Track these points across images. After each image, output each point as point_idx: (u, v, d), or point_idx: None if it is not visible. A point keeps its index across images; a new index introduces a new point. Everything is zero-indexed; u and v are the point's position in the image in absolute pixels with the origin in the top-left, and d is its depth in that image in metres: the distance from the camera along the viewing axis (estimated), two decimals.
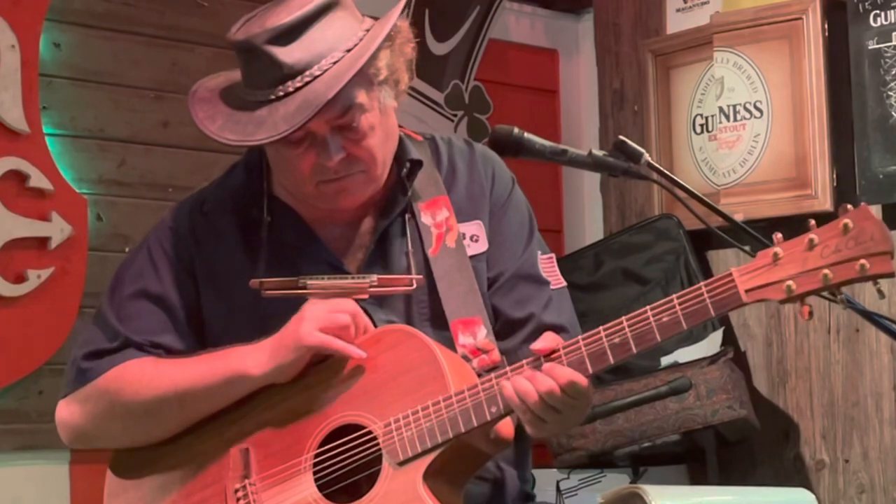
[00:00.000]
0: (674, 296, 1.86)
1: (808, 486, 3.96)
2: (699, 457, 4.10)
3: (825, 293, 1.81)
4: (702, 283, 1.85)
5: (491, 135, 2.13)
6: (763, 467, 4.28)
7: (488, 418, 1.95)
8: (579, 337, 1.93)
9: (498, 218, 2.20)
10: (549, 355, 1.93)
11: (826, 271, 1.78)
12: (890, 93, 3.96)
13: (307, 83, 2.00)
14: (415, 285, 2.09)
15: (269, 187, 2.17)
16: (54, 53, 3.66)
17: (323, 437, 2.02)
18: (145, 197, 3.78)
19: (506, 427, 2.03)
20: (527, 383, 1.91)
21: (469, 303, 2.10)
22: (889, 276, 1.77)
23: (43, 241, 3.55)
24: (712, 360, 4.02)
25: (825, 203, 4.09)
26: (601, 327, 1.92)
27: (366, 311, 2.08)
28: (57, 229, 3.56)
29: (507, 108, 4.67)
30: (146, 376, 2.10)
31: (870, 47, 4.00)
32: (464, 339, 2.08)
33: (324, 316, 2.00)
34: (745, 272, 1.83)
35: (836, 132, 4.10)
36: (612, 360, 1.91)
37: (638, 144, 2.05)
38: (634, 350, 1.89)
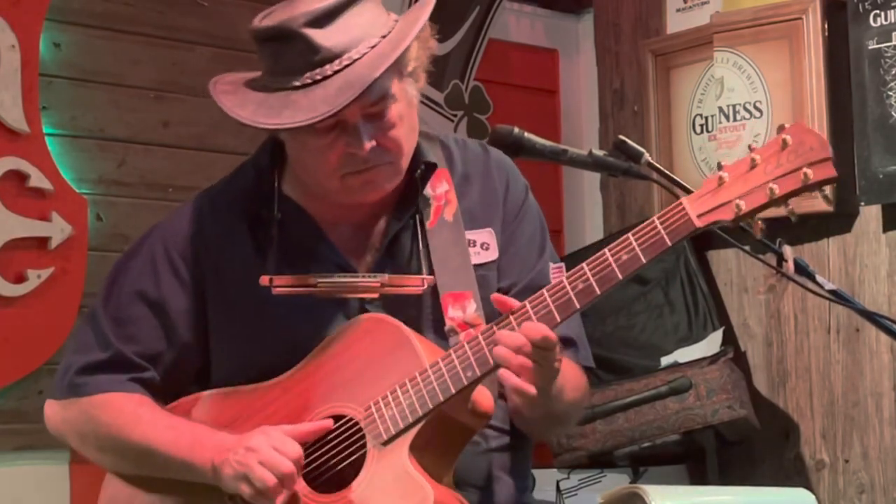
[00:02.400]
0: (628, 233, 1.89)
1: (808, 486, 3.96)
2: (699, 457, 4.10)
3: (775, 206, 1.86)
4: (654, 217, 1.88)
5: (491, 135, 2.13)
6: (763, 467, 4.28)
7: (465, 383, 1.95)
8: (543, 290, 1.94)
9: (511, 228, 2.19)
10: (517, 311, 1.94)
11: (771, 185, 1.84)
12: (890, 93, 3.96)
13: (345, 66, 1.98)
14: (425, 285, 2.09)
15: (279, 186, 2.15)
16: (54, 53, 3.66)
17: None
18: (145, 197, 3.78)
19: (485, 399, 2.03)
20: (500, 347, 1.91)
21: (461, 277, 2.10)
22: (832, 181, 1.86)
23: (43, 241, 3.55)
24: (712, 360, 4.02)
25: (825, 203, 4.09)
26: (563, 277, 1.93)
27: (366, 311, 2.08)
28: (57, 229, 3.56)
29: (507, 108, 4.67)
30: (123, 418, 2.11)
31: (870, 47, 3.99)
32: (453, 313, 2.08)
33: (267, 460, 1.96)
34: (694, 199, 1.87)
35: (836, 132, 4.09)
36: (577, 306, 1.92)
37: (638, 144, 2.06)
38: (598, 291, 1.91)
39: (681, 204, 1.87)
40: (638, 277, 4.38)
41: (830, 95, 4.09)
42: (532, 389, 1.90)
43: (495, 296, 1.98)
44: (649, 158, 2.05)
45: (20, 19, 3.53)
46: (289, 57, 2.01)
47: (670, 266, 4.36)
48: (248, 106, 2.03)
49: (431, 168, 2.15)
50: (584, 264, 1.91)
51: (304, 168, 2.10)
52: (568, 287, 1.91)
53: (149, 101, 3.83)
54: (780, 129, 1.87)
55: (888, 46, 3.97)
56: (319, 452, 2.02)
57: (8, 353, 3.47)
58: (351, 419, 2.00)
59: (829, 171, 1.85)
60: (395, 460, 1.94)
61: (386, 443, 1.96)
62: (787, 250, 1.98)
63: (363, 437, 1.98)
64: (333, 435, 2.01)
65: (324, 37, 1.99)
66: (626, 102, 4.78)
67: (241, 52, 3.85)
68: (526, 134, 2.08)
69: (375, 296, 2.09)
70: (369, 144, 2.00)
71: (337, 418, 2.01)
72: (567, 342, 2.13)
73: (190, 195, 2.25)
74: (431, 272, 2.10)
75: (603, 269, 1.90)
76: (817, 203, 4.11)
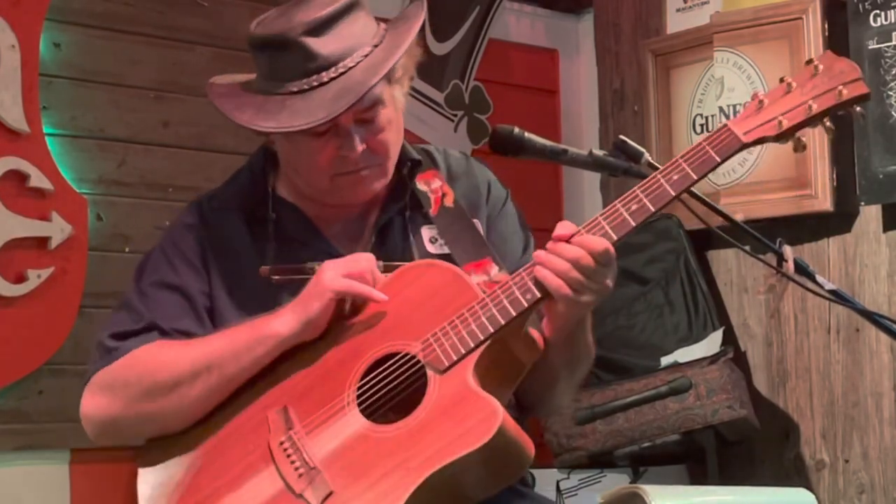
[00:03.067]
0: (677, 156, 1.99)
1: (808, 486, 3.96)
2: (699, 457, 4.10)
3: (812, 126, 2.02)
4: (700, 138, 2.01)
5: (491, 135, 2.13)
6: (763, 467, 4.28)
7: (525, 305, 1.99)
8: (597, 214, 2.01)
9: (495, 221, 2.28)
10: (570, 238, 1.99)
11: (810, 102, 1.99)
12: (890, 93, 3.96)
13: (341, 74, 2.09)
14: None
15: (273, 187, 2.26)
16: (54, 53, 3.66)
17: (362, 373, 2.02)
18: (145, 197, 3.78)
19: (536, 334, 2.07)
20: (556, 258, 1.97)
21: (477, 249, 2.18)
22: (865, 98, 1.99)
23: (43, 241, 3.55)
24: (712, 360, 4.02)
25: (825, 203, 4.09)
26: (616, 201, 2.01)
27: None
28: (57, 229, 3.56)
29: (507, 108, 4.67)
30: (174, 350, 2.12)
31: (870, 47, 3.99)
32: (477, 278, 2.12)
33: (343, 264, 2.06)
34: (737, 122, 2.02)
35: (836, 132, 4.09)
36: (633, 224, 1.99)
37: (638, 144, 2.06)
38: (652, 209, 1.98)
39: (726, 125, 2.00)
40: (638, 277, 4.38)
41: None
42: (581, 298, 1.98)
43: (555, 233, 2.03)
44: (649, 158, 2.06)
45: (20, 19, 3.53)
46: (286, 63, 2.11)
47: (670, 266, 4.36)
48: (246, 110, 2.13)
49: (416, 164, 2.26)
50: (636, 187, 1.99)
51: (295, 169, 2.20)
52: (621, 208, 1.98)
53: (149, 101, 3.83)
54: (810, 61, 2.01)
55: (888, 46, 3.97)
56: (378, 387, 2.01)
57: (8, 353, 3.47)
58: (408, 354, 2.01)
59: (862, 88, 1.98)
60: (458, 383, 1.95)
61: (446, 370, 1.97)
62: (787, 250, 1.98)
63: (422, 370, 1.99)
64: (391, 370, 2.01)
65: (320, 45, 2.10)
66: (626, 102, 4.78)
67: (241, 52, 3.82)
68: (526, 134, 2.09)
69: None
70: (361, 147, 2.11)
71: (392, 355, 2.02)
72: None
73: (190, 195, 2.29)
74: (428, 254, 2.19)
75: (656, 189, 1.98)
76: (817, 203, 4.12)
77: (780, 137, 2.00)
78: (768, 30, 4.20)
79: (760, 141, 2.00)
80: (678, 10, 4.59)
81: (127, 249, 3.67)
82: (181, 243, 2.23)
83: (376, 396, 2.00)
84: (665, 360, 4.17)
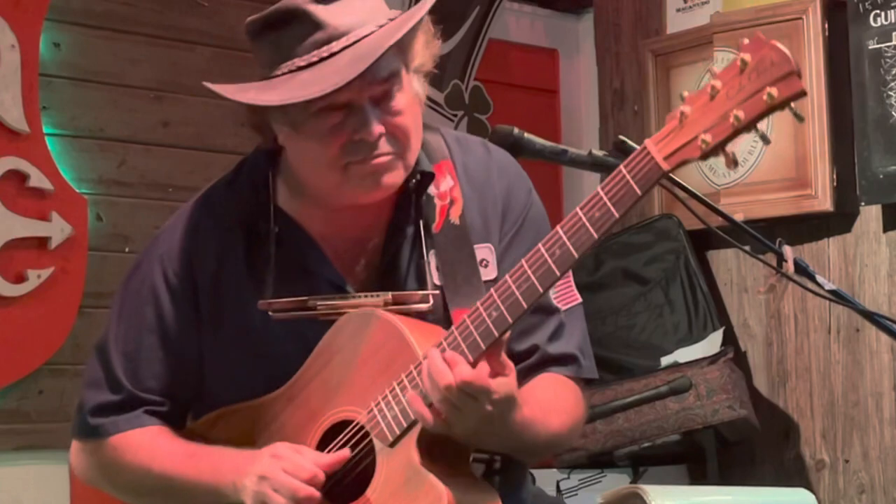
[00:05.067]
0: (598, 187, 1.77)
1: (808, 486, 3.96)
2: (699, 457, 4.10)
3: (746, 133, 1.72)
4: (620, 165, 1.75)
5: (491, 135, 2.10)
6: (763, 467, 4.28)
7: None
8: (522, 261, 1.81)
9: (508, 243, 2.09)
10: (485, 302, 1.84)
11: (735, 112, 1.68)
12: (890, 93, 3.96)
13: (353, 43, 1.91)
14: (431, 301, 2.00)
15: (275, 199, 2.06)
16: (54, 53, 3.66)
17: (318, 443, 2.00)
18: (145, 197, 3.79)
19: None
20: (426, 379, 1.83)
21: (469, 289, 2.01)
22: (801, 95, 1.67)
23: (43, 241, 3.55)
24: (712, 360, 4.02)
25: (825, 203, 4.09)
26: (541, 245, 1.81)
27: None
28: (57, 229, 3.56)
29: (507, 108, 4.67)
30: (142, 456, 2.08)
31: (870, 47, 3.99)
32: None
33: (278, 481, 1.93)
34: (658, 140, 1.73)
35: (836, 132, 4.09)
36: (558, 273, 1.79)
37: (638, 144, 2.05)
38: (576, 255, 1.78)
39: (645, 148, 1.73)
40: (638, 277, 4.38)
41: (830, 95, 4.09)
42: (443, 427, 1.84)
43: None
44: None
45: (20, 19, 3.53)
46: (292, 36, 1.93)
47: (670, 266, 4.36)
48: (249, 90, 1.96)
49: (428, 178, 2.06)
50: (557, 227, 1.80)
51: (302, 163, 2.01)
52: (545, 254, 1.80)
53: (148, 101, 3.84)
54: (740, 46, 1.70)
55: (888, 46, 3.97)
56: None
57: (8, 353, 3.47)
58: (357, 423, 1.97)
59: (796, 85, 1.65)
60: (404, 461, 1.91)
61: (392, 444, 1.93)
62: (787, 250, 1.97)
63: (371, 441, 1.95)
64: (343, 443, 1.98)
65: (329, 14, 1.92)
66: (626, 102, 4.78)
67: (241, 52, 3.84)
68: (526, 134, 2.07)
69: None
70: (378, 128, 1.92)
71: (343, 423, 1.99)
72: (563, 360, 2.07)
73: (189, 195, 2.23)
74: (434, 285, 2.02)
75: (578, 229, 1.78)
76: (817, 203, 4.12)
77: (706, 156, 1.72)
78: (768, 30, 4.20)
79: (685, 163, 1.73)
80: (678, 10, 4.59)
81: (127, 249, 3.67)
82: (169, 267, 2.07)
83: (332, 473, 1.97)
84: (665, 360, 4.17)
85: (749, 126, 1.70)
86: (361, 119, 1.92)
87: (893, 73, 3.96)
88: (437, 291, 2.01)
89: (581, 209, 1.78)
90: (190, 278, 2.06)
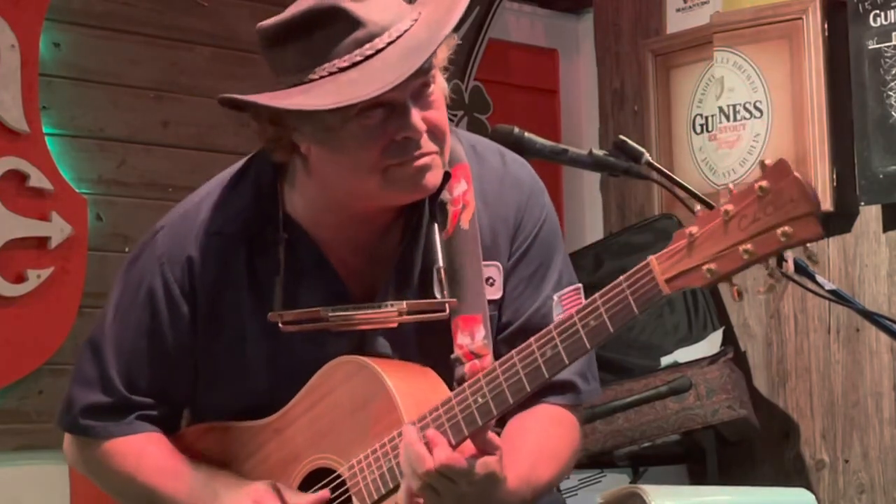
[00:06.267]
0: (596, 295, 1.74)
1: (808, 486, 3.96)
2: (699, 457, 4.10)
3: (757, 264, 1.67)
4: (621, 277, 1.72)
5: (491, 135, 2.09)
6: (763, 467, 4.28)
7: None
8: (509, 358, 1.77)
9: (516, 262, 2.04)
10: (455, 398, 1.82)
11: (746, 246, 1.62)
12: (890, 93, 3.96)
13: (396, 38, 1.82)
14: (448, 310, 1.95)
15: (284, 207, 1.99)
16: (54, 53, 3.66)
17: (299, 484, 1.99)
18: (145, 197, 3.79)
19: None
20: (404, 462, 1.80)
21: (473, 298, 1.97)
22: (816, 239, 1.59)
23: (43, 241, 3.55)
24: (712, 360, 4.02)
25: (825, 203, 4.09)
26: (533, 341, 1.76)
27: (363, 345, 1.99)
28: (57, 229, 3.56)
29: (507, 108, 4.67)
30: (128, 465, 2.07)
31: (870, 47, 3.99)
32: (462, 339, 1.95)
33: None
34: (663, 259, 1.68)
35: (836, 132, 4.09)
36: (546, 375, 1.76)
37: (638, 144, 2.05)
38: (567, 361, 1.75)
39: (648, 265, 1.69)
40: None
41: (830, 95, 4.09)
42: None
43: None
44: (649, 158, 2.05)
45: (20, 19, 3.53)
46: (328, 38, 1.82)
47: None
48: (290, 97, 1.83)
49: (445, 178, 1.96)
50: (551, 326, 1.76)
51: (335, 171, 1.90)
52: (537, 352, 1.75)
53: (148, 101, 3.84)
54: (762, 166, 1.60)
55: (888, 46, 3.97)
56: None
57: (8, 353, 3.47)
58: (337, 474, 1.95)
59: (813, 229, 1.56)
60: None
61: None
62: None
63: (350, 495, 1.93)
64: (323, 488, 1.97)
65: (366, 11, 1.82)
66: (626, 102, 4.77)
67: (241, 52, 3.86)
68: (526, 134, 2.07)
69: (393, 325, 1.94)
70: (422, 125, 1.85)
71: (325, 470, 1.97)
72: (563, 388, 2.02)
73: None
74: (444, 293, 1.97)
75: (572, 335, 1.74)
76: None
77: (710, 286, 1.67)
78: (768, 30, 4.20)
79: (685, 288, 1.67)
80: (678, 10, 4.59)
81: (127, 249, 3.67)
82: (169, 273, 2.01)
83: None
84: (665, 360, 4.16)
85: (760, 261, 1.64)
86: (404, 117, 1.84)
87: (893, 73, 3.96)
88: (454, 300, 1.95)
89: (577, 314, 1.75)
90: (190, 285, 2.01)
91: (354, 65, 1.82)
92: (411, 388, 1.92)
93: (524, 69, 4.84)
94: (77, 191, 3.63)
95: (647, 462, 4.17)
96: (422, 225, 1.99)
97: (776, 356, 4.31)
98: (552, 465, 1.98)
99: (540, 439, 1.98)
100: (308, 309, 1.94)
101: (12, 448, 3.52)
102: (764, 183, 1.59)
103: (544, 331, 1.76)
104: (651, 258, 1.70)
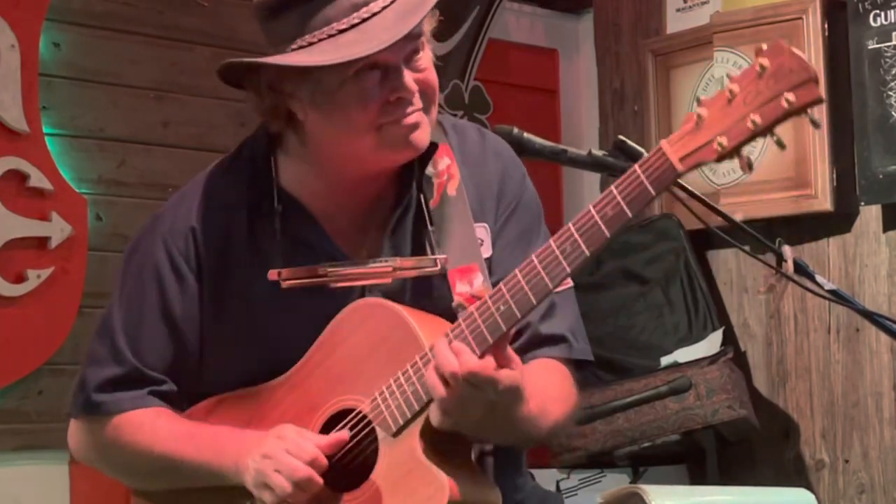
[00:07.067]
0: (611, 186, 1.78)
1: (808, 486, 3.96)
2: (699, 457, 4.10)
3: (761, 137, 1.74)
4: (635, 164, 1.77)
5: None
6: (763, 467, 4.28)
7: None
8: (533, 256, 1.82)
9: (503, 223, 2.12)
10: (494, 296, 1.85)
11: (753, 116, 1.71)
12: (890, 93, 3.96)
13: (390, 3, 1.93)
14: (439, 266, 2.02)
15: (277, 180, 2.07)
16: (54, 53, 3.66)
17: (319, 430, 2.00)
18: (145, 197, 3.79)
19: None
20: (431, 373, 1.84)
21: (466, 250, 2.04)
22: (818, 102, 1.68)
23: (43, 241, 3.55)
24: (712, 360, 4.02)
25: (825, 203, 4.09)
26: (551, 241, 1.81)
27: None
28: (57, 229, 3.56)
29: (507, 108, 4.67)
30: (142, 436, 2.08)
31: (870, 47, 4.00)
32: (461, 288, 2.01)
33: (280, 461, 1.94)
34: (674, 142, 1.75)
35: (836, 132, 4.10)
36: (568, 269, 1.80)
37: (638, 144, 2.05)
38: (587, 252, 1.79)
39: (661, 149, 1.75)
40: (638, 277, 4.39)
41: (830, 95, 4.09)
42: (447, 420, 1.85)
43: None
44: None
45: (20, 19, 3.53)
46: (325, 4, 1.92)
47: (670, 266, 4.36)
48: (293, 57, 1.93)
49: (432, 148, 2.06)
50: (570, 224, 1.81)
51: (332, 133, 2.00)
52: (556, 250, 1.80)
53: (148, 101, 3.84)
54: (758, 52, 1.72)
55: (888, 46, 3.97)
56: (337, 453, 1.98)
57: (8, 353, 3.47)
58: (360, 412, 1.97)
59: (814, 93, 1.67)
60: (406, 451, 1.91)
61: (396, 434, 1.93)
62: (787, 250, 1.97)
63: (374, 430, 1.95)
64: (343, 428, 1.98)
65: None
66: (626, 102, 4.78)
67: (242, 52, 3.85)
68: (526, 134, 2.08)
69: (388, 280, 2.03)
70: (414, 85, 1.95)
71: (346, 412, 1.99)
72: (555, 340, 2.08)
73: None
74: (442, 251, 2.05)
75: (590, 227, 1.79)
76: (817, 203, 4.12)
77: (722, 159, 1.75)
78: (768, 30, 4.20)
79: (700, 165, 1.76)
80: (678, 10, 4.59)
81: None
82: (173, 248, 2.08)
83: (334, 460, 1.96)
84: (665, 360, 4.17)
85: (766, 130, 1.72)
86: (398, 79, 1.94)
87: (893, 73, 3.96)
88: (444, 256, 2.02)
89: (594, 207, 1.79)
90: (195, 256, 2.07)
91: (352, 27, 1.91)
92: (426, 321, 1.97)
93: (524, 69, 4.84)
94: (77, 191, 3.63)
95: (647, 462, 4.17)
96: (411, 193, 2.07)
97: (776, 356, 4.31)
98: (562, 407, 2.03)
99: (545, 382, 2.02)
100: (306, 266, 2.01)
101: (12, 448, 3.52)
102: (763, 60, 1.69)
103: (561, 230, 1.81)
104: (662, 142, 1.76)
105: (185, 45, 3.91)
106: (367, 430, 1.96)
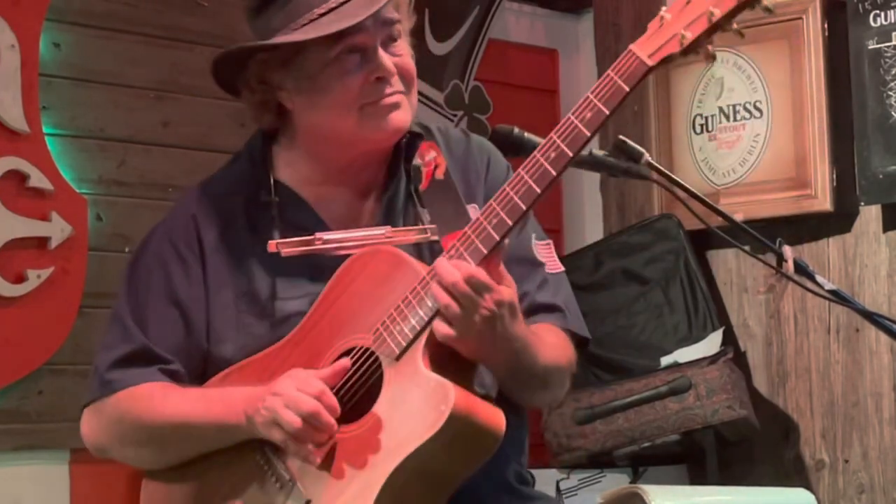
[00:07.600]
0: (588, 93, 1.93)
1: (808, 486, 3.96)
2: (699, 457, 4.10)
3: (722, 30, 1.97)
4: (608, 70, 1.94)
5: (491, 135, 2.14)
6: (763, 467, 4.28)
7: None
8: (519, 169, 1.93)
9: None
10: (485, 212, 1.95)
11: (711, 8, 1.94)
12: (890, 93, 3.96)
13: None
14: (429, 233, 2.09)
15: (274, 172, 2.19)
16: (54, 53, 3.66)
17: None
18: (145, 197, 3.78)
19: None
20: (435, 284, 1.92)
21: (458, 220, 2.09)
22: None
23: (43, 241, 3.55)
24: (712, 360, 4.02)
25: (825, 203, 4.09)
26: (536, 152, 1.93)
27: None
28: (57, 229, 3.56)
29: (507, 108, 4.67)
30: (153, 402, 2.11)
31: (870, 47, 4.00)
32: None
33: (289, 397, 1.97)
34: (641, 44, 1.93)
35: (836, 132, 4.10)
36: (554, 173, 1.91)
37: (638, 144, 2.06)
38: (570, 154, 1.91)
39: (630, 51, 1.92)
40: (638, 277, 4.39)
41: (830, 95, 4.10)
42: (451, 332, 1.91)
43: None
44: (649, 158, 2.05)
45: (20, 19, 3.53)
46: None
47: (670, 266, 4.36)
48: (277, 37, 2.07)
49: (417, 137, 2.18)
50: (552, 133, 1.93)
51: (317, 115, 2.12)
52: (541, 158, 1.92)
53: (148, 101, 3.83)
54: None
55: (888, 46, 3.97)
56: (343, 389, 2.00)
57: (8, 353, 3.47)
58: (362, 348, 2.00)
59: None
60: (410, 369, 1.94)
61: (399, 357, 1.96)
62: (787, 250, 1.97)
63: (378, 361, 1.98)
64: (350, 367, 2.00)
65: None
66: (626, 102, 4.77)
67: None
68: (526, 134, 2.08)
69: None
70: (391, 66, 2.08)
71: (349, 352, 2.01)
72: (550, 308, 2.14)
73: None
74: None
75: (571, 131, 1.92)
76: (817, 203, 4.12)
77: (687, 52, 1.95)
78: (768, 30, 4.20)
79: (667, 60, 1.94)
80: None
81: (127, 249, 3.67)
82: (177, 239, 2.17)
83: (340, 395, 1.99)
84: (665, 360, 4.17)
85: (725, 20, 1.94)
86: (375, 60, 2.07)
87: (893, 73, 3.96)
88: (436, 226, 2.10)
89: (573, 114, 1.92)
90: (196, 241, 2.16)
91: (331, 10, 2.05)
92: (425, 265, 2.03)
93: (524, 69, 4.84)
94: (77, 191, 3.63)
95: (647, 462, 4.17)
96: (400, 175, 2.17)
97: (776, 356, 4.31)
98: (557, 352, 2.11)
99: (543, 332, 2.09)
100: (303, 237, 2.09)
101: (12, 448, 3.52)
102: None
103: (546, 139, 1.93)
104: (630, 46, 1.93)
105: (185, 45, 3.91)
106: (371, 361, 1.99)
